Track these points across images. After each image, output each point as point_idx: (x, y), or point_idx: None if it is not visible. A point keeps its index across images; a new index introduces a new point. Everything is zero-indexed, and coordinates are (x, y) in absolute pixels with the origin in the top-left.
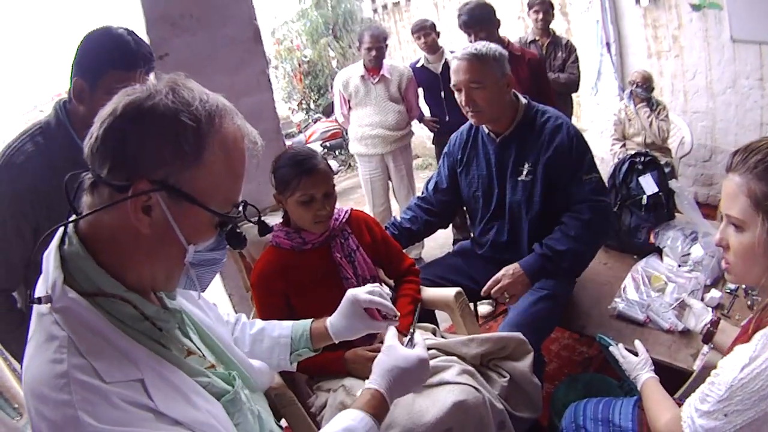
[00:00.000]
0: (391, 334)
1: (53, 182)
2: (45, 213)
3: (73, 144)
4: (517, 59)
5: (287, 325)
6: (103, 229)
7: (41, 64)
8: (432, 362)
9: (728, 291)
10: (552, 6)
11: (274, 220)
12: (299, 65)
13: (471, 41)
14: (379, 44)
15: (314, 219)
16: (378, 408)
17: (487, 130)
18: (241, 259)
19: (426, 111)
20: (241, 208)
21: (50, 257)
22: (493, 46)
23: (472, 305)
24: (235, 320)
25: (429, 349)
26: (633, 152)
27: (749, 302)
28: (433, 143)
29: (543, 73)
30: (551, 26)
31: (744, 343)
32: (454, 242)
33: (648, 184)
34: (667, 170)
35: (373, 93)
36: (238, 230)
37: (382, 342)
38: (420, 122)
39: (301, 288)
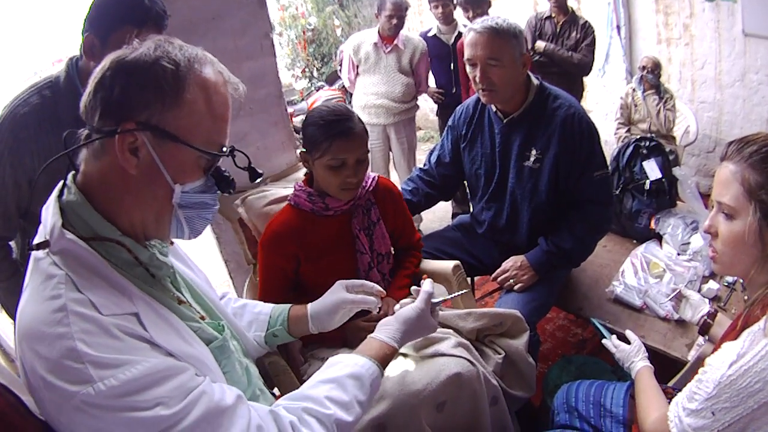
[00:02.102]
0: (425, 297)
1: (55, 135)
2: (43, 165)
3: (80, 100)
4: None
5: (269, 305)
6: (96, 175)
7: (42, 29)
8: None
9: (726, 284)
10: None
11: (280, 191)
12: (303, 33)
13: (468, 17)
14: (400, 13)
15: (342, 185)
16: (386, 361)
17: (494, 109)
18: (242, 230)
19: (431, 82)
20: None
21: (49, 207)
22: (513, 22)
23: (469, 280)
24: (222, 295)
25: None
26: (638, 137)
27: (746, 296)
28: (436, 115)
29: None
30: (570, 4)
31: (732, 341)
32: (453, 215)
33: (652, 169)
34: (671, 158)
35: (383, 62)
36: (225, 173)
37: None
38: (425, 93)
39: (314, 253)
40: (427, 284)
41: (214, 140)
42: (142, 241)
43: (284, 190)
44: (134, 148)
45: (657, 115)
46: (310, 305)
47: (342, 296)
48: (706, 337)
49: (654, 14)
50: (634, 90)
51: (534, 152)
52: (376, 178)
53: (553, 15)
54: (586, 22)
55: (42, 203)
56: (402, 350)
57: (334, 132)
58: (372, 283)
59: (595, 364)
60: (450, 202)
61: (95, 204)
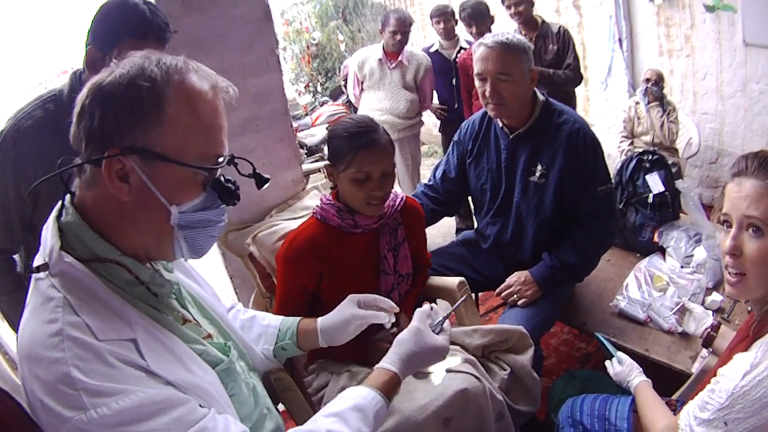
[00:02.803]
0: (420, 316)
1: (58, 149)
2: (46, 180)
3: None
4: None
5: (278, 317)
6: (90, 202)
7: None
8: None
9: (729, 295)
10: None
11: (289, 224)
12: (308, 47)
13: (471, 33)
14: (404, 28)
15: (367, 199)
16: (390, 389)
17: (501, 124)
18: (253, 264)
19: (434, 97)
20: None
21: (49, 228)
22: (522, 38)
23: (473, 296)
24: (230, 306)
25: None
26: (641, 150)
27: (749, 308)
28: (439, 131)
29: None
30: (537, 15)
31: (742, 351)
32: (457, 231)
33: (655, 182)
34: (674, 170)
35: (387, 78)
36: (226, 184)
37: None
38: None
39: (337, 271)
40: (424, 306)
41: (208, 152)
42: (144, 261)
43: (293, 222)
44: (123, 174)
45: (661, 128)
46: (320, 320)
47: (353, 312)
48: (710, 350)
49: (655, 26)
50: (637, 103)
51: (539, 167)
52: (404, 198)
53: (523, 32)
54: (561, 27)
55: (45, 217)
56: None
57: (358, 144)
58: (384, 298)
59: (600, 379)
60: (454, 217)
61: (93, 226)
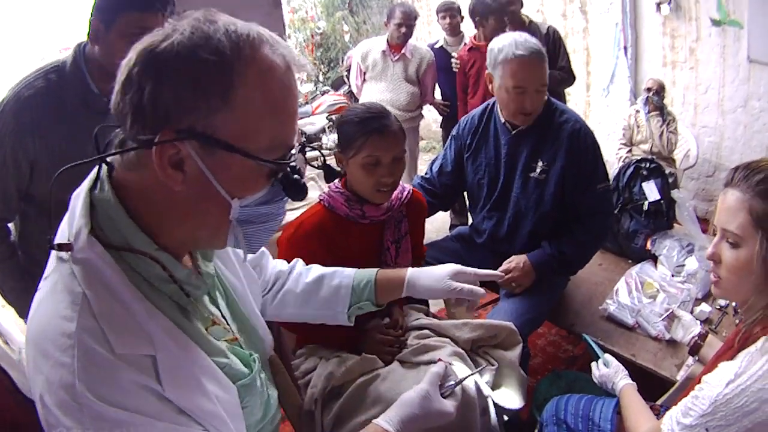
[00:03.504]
0: (432, 378)
1: (58, 120)
2: (45, 150)
3: (85, 86)
4: None
5: (349, 272)
6: (132, 186)
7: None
8: (424, 341)
9: (718, 307)
10: None
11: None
12: (312, 36)
13: (477, 28)
14: (409, 22)
15: (377, 186)
16: None
17: (503, 120)
18: None
19: (437, 93)
20: (297, 152)
21: (79, 199)
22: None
23: None
24: (290, 269)
25: (422, 328)
26: (639, 158)
27: (737, 320)
28: (440, 126)
29: None
30: (524, 15)
31: (728, 360)
32: (451, 227)
33: (651, 190)
34: (670, 180)
35: (390, 70)
36: (295, 177)
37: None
38: (430, 104)
39: (339, 260)
40: (438, 366)
41: (279, 141)
42: (182, 255)
43: (290, 213)
44: (178, 161)
45: (660, 137)
46: (410, 272)
47: (449, 281)
48: (696, 358)
49: (661, 37)
50: (637, 111)
51: (540, 164)
52: (411, 191)
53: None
54: (550, 28)
55: (43, 188)
56: (398, 356)
57: (369, 129)
58: (489, 271)
59: (585, 381)
60: (449, 213)
61: (131, 211)
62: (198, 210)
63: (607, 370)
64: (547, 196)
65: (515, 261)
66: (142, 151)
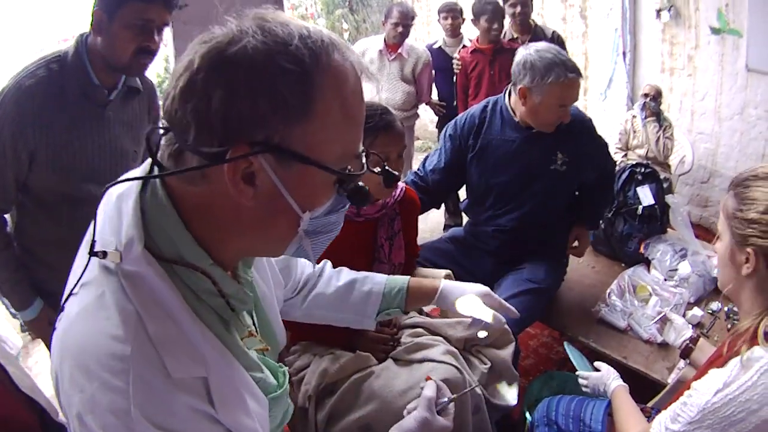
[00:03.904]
0: (428, 404)
1: (58, 109)
2: (45, 139)
3: (86, 76)
4: (506, 52)
5: (380, 279)
6: (193, 199)
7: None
8: (417, 339)
9: (710, 312)
10: None
11: None
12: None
13: (479, 29)
14: (406, 21)
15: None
16: None
17: (517, 118)
18: None
19: (434, 93)
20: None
21: (127, 204)
22: None
23: None
24: (319, 271)
25: (415, 327)
26: (634, 162)
27: (729, 325)
28: (436, 127)
29: None
30: (531, 19)
31: (718, 367)
32: (445, 227)
33: (645, 195)
34: (665, 185)
35: (386, 69)
36: (360, 185)
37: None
38: (426, 104)
39: (332, 257)
40: (429, 388)
41: (350, 151)
42: (230, 268)
43: None
44: (249, 174)
45: (656, 143)
46: (444, 284)
47: (479, 301)
48: (687, 361)
49: (660, 43)
50: (634, 116)
51: (560, 156)
52: (404, 188)
53: (516, 35)
54: (554, 32)
55: (41, 180)
56: (392, 354)
57: (377, 126)
58: (509, 306)
59: (577, 383)
60: (443, 213)
61: (187, 223)
62: (265, 224)
63: (597, 374)
64: (572, 186)
65: (582, 234)
66: (204, 161)
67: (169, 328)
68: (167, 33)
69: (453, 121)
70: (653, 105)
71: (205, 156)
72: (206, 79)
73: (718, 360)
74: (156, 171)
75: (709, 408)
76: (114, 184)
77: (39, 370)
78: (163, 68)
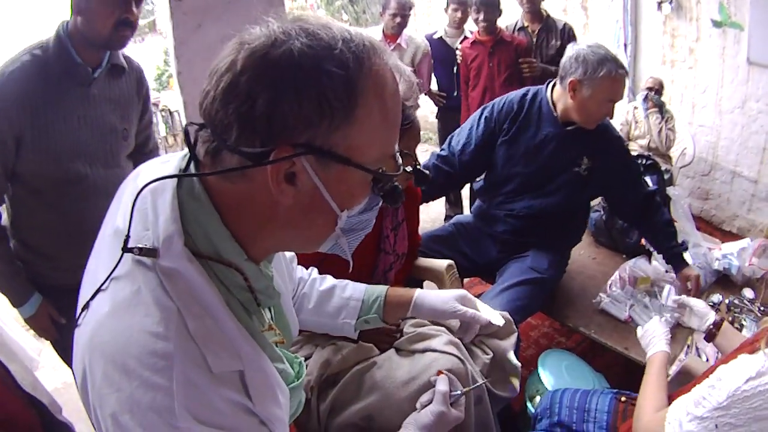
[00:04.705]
0: (442, 398)
1: (42, 91)
2: (30, 121)
3: (69, 57)
4: (506, 45)
5: (360, 287)
6: (231, 196)
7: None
8: (419, 330)
9: (711, 304)
10: None
11: None
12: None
13: (476, 20)
14: (404, 12)
15: (405, 177)
16: None
17: (557, 113)
18: None
19: (433, 84)
20: (399, 160)
21: (164, 199)
22: None
23: (460, 280)
24: (307, 275)
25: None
26: (636, 153)
27: (730, 318)
28: (436, 118)
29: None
30: (543, 9)
31: (749, 353)
32: (446, 218)
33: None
34: (666, 176)
35: None
36: (395, 184)
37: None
38: (426, 95)
39: None
40: (442, 382)
41: (387, 152)
42: (260, 262)
43: None
44: (291, 174)
45: (658, 134)
46: (418, 292)
47: (454, 305)
48: (688, 351)
49: (661, 35)
50: (635, 107)
51: (586, 161)
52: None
53: (527, 24)
54: (566, 25)
55: (30, 165)
56: (394, 344)
57: (402, 123)
58: (490, 311)
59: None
60: (444, 204)
61: (224, 218)
62: (302, 222)
63: (654, 326)
64: (590, 193)
65: (692, 276)
66: (245, 161)
67: (208, 325)
68: (167, 25)
69: (490, 104)
70: (656, 98)
71: (247, 156)
72: (251, 81)
73: (750, 347)
74: (192, 167)
75: (739, 395)
76: (154, 181)
77: (43, 364)
78: (163, 60)
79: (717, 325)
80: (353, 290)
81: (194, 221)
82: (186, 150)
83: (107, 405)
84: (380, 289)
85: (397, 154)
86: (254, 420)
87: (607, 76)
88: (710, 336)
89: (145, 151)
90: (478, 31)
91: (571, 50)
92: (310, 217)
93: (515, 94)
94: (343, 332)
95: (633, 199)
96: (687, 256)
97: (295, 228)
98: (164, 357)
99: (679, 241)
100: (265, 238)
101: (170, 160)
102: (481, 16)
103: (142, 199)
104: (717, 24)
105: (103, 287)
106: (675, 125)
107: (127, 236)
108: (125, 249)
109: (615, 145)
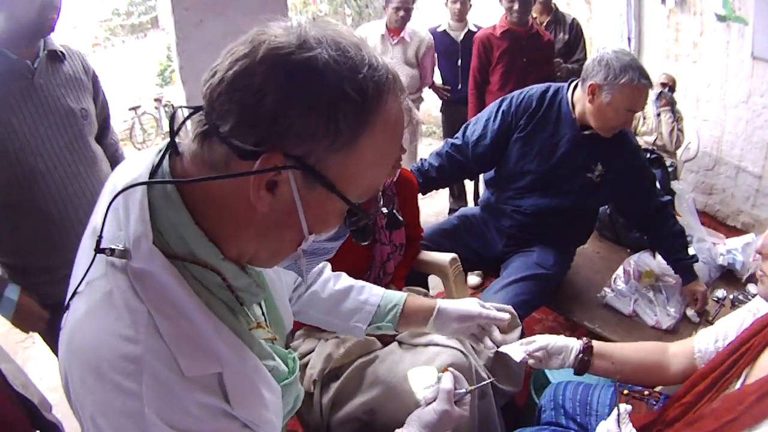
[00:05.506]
0: (447, 396)
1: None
2: None
3: (4, 57)
4: (538, 39)
5: (377, 291)
6: (208, 191)
7: None
8: None
9: (715, 299)
10: None
11: None
12: (314, 19)
13: (511, 8)
14: (407, 5)
15: (395, 165)
16: None
17: (575, 115)
18: None
19: (437, 77)
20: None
21: (135, 198)
22: None
23: (463, 274)
24: (318, 270)
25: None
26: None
27: None
28: (440, 111)
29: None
30: (552, 2)
31: None
32: (450, 212)
33: None
34: (670, 170)
35: (389, 53)
36: (366, 222)
37: None
38: (430, 88)
39: None
40: (446, 380)
41: (373, 189)
42: (244, 265)
43: None
44: (272, 182)
45: (670, 134)
46: (440, 301)
47: (476, 309)
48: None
49: (665, 29)
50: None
51: (600, 168)
52: (399, 170)
53: (536, 15)
54: (574, 20)
55: None
56: (397, 338)
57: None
58: (502, 306)
59: None
60: (448, 198)
61: (197, 217)
62: (271, 234)
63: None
64: (600, 201)
65: (700, 291)
66: (233, 160)
67: (181, 326)
68: (169, 20)
69: (508, 97)
70: (669, 95)
71: (236, 151)
72: (267, 74)
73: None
74: (167, 161)
75: None
76: (138, 184)
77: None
78: (166, 56)
79: (587, 349)
80: (370, 294)
81: (166, 221)
82: (162, 144)
83: (86, 407)
84: (399, 297)
85: (380, 193)
86: (235, 424)
87: (628, 83)
88: (582, 367)
89: (106, 134)
90: (509, 21)
91: (596, 53)
92: (277, 230)
93: (536, 90)
94: (352, 334)
95: (645, 210)
96: (690, 249)
97: (264, 239)
98: (134, 361)
99: (690, 254)
100: (239, 242)
101: (148, 155)
102: (516, 6)
103: (117, 196)
104: (721, 18)
105: (79, 289)
106: (683, 125)
107: (100, 237)
108: (97, 250)
109: (631, 156)
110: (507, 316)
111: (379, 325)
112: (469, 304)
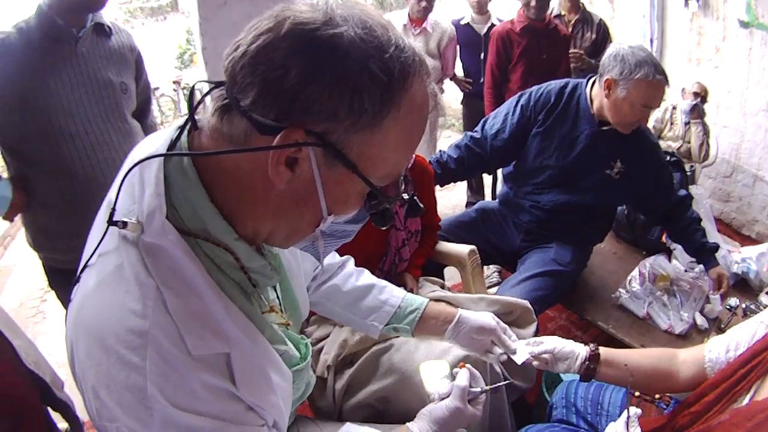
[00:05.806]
0: (461, 393)
1: (28, 57)
2: (20, 84)
3: (51, 23)
4: (556, 34)
5: (398, 293)
6: (224, 166)
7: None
8: None
9: (728, 307)
10: None
11: None
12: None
13: (529, 3)
14: None
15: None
16: None
17: (594, 111)
18: None
19: (459, 70)
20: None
21: (151, 170)
22: None
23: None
24: (340, 262)
25: (438, 301)
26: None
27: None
28: (461, 103)
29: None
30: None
31: None
32: (467, 205)
33: None
34: (689, 174)
35: None
36: (387, 207)
37: None
38: (451, 80)
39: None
40: (462, 377)
41: (395, 171)
42: (258, 244)
43: None
44: (293, 159)
45: (700, 147)
46: (461, 311)
47: (493, 323)
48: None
49: (688, 33)
50: (674, 107)
51: (619, 164)
52: (414, 156)
53: (564, 13)
54: (601, 20)
55: (26, 130)
56: None
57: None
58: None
59: None
60: (465, 191)
61: (211, 192)
62: (289, 212)
63: None
64: (619, 197)
65: (723, 275)
66: (253, 133)
67: (191, 304)
68: (191, 2)
69: (527, 92)
70: (702, 108)
71: (257, 125)
72: (290, 50)
73: None
74: (185, 136)
75: None
76: (152, 157)
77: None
78: (185, 39)
79: (593, 357)
80: (390, 295)
81: (181, 196)
82: (180, 120)
83: (88, 378)
84: (420, 302)
85: (401, 178)
86: (239, 406)
87: (643, 78)
88: (588, 374)
89: (146, 114)
90: (526, 16)
91: (612, 48)
92: (296, 209)
93: (555, 85)
94: (367, 332)
95: (664, 205)
96: None
97: (282, 217)
98: (140, 335)
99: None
100: (253, 219)
101: (167, 131)
102: (533, 1)
103: (133, 171)
104: (744, 24)
105: (90, 262)
106: (711, 138)
107: (113, 209)
108: (110, 222)
109: (650, 154)
110: (514, 345)
111: (395, 326)
112: (487, 317)
